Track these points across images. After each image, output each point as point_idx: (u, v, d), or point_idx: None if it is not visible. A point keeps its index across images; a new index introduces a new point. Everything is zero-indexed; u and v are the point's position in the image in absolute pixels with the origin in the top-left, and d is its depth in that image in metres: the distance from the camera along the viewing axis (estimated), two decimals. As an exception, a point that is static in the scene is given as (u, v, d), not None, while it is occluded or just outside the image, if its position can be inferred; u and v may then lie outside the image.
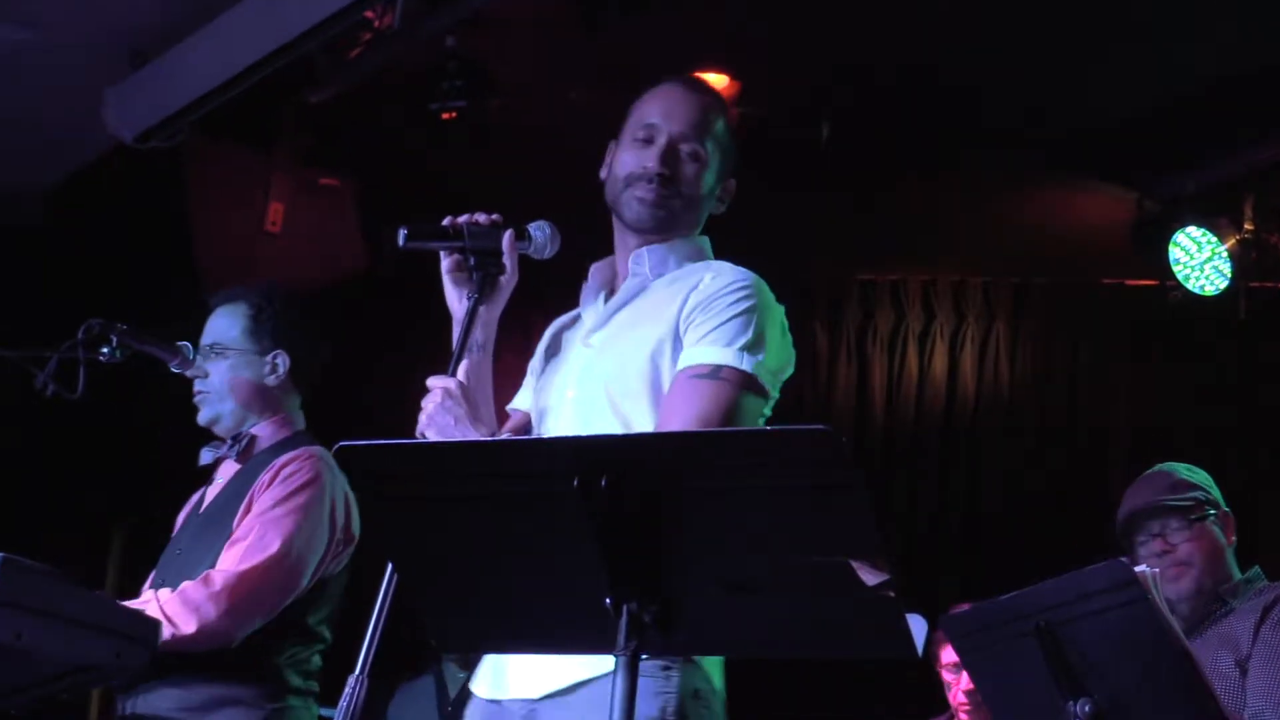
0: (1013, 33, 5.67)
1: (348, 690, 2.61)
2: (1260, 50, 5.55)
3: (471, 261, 3.01)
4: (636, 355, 2.93)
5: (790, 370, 3.00)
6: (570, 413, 2.97)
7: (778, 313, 2.97)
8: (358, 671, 2.62)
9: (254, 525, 3.71)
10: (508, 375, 3.22)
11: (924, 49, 5.79)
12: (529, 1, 5.63)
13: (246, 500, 3.78)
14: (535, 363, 3.23)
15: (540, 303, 3.46)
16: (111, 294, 5.58)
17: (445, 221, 3.03)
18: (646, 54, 5.63)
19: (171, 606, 3.58)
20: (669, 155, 3.06)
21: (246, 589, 3.63)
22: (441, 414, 2.86)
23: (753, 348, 2.87)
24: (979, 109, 6.14)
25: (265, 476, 3.79)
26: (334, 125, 6.35)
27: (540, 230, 3.08)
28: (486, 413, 2.98)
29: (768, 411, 2.96)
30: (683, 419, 2.79)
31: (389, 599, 2.64)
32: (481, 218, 3.04)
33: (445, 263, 3.05)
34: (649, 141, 3.07)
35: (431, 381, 2.91)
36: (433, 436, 2.85)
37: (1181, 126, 5.99)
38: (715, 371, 2.83)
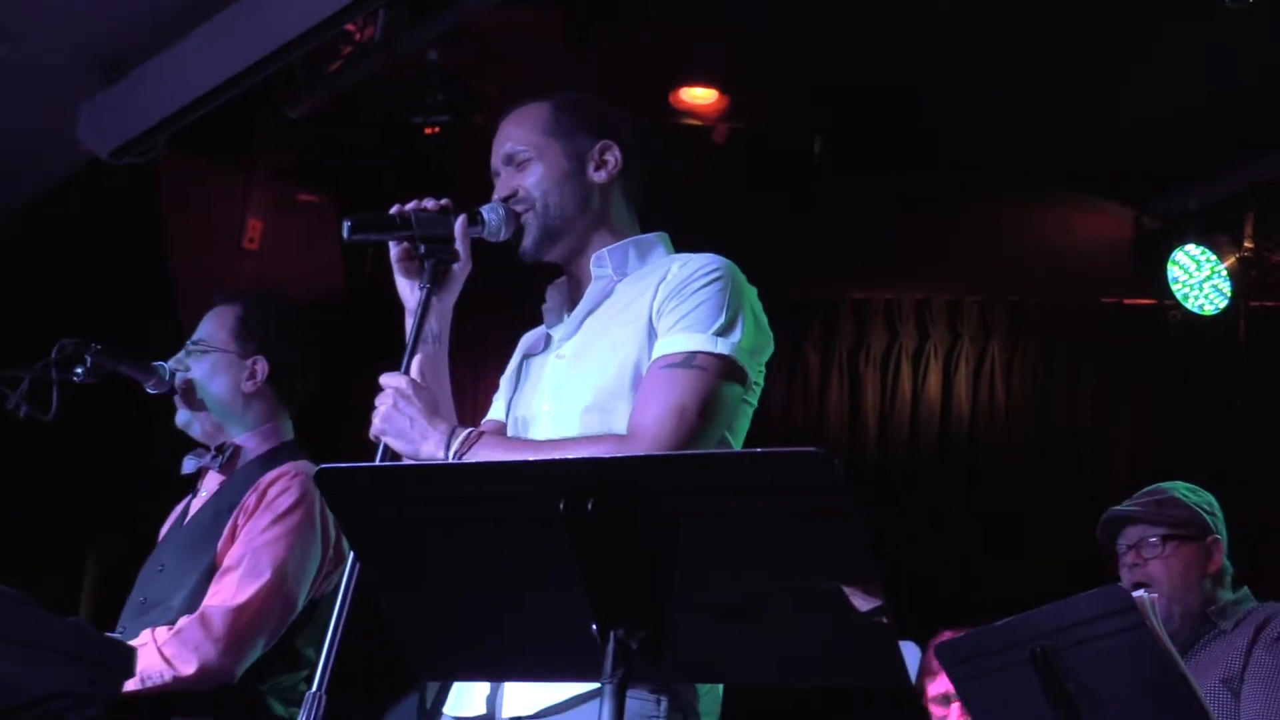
0: (1009, 51, 5.65)
1: (305, 707, 2.55)
2: (1260, 67, 5.53)
3: (422, 250, 2.94)
4: (613, 358, 2.87)
5: (770, 351, 2.93)
6: (549, 428, 2.90)
7: (750, 293, 2.91)
8: (315, 688, 2.55)
9: (245, 552, 3.66)
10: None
11: (919, 66, 5.78)
12: (514, 14, 5.57)
13: (231, 521, 3.73)
14: (507, 376, 3.15)
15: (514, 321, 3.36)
16: (86, 313, 5.48)
17: (393, 210, 2.95)
18: (636, 69, 5.62)
19: (171, 648, 3.55)
20: (499, 183, 3.05)
21: (245, 623, 3.59)
22: (396, 416, 2.80)
23: (726, 330, 2.81)
24: (976, 126, 6.11)
25: (250, 499, 3.74)
26: (314, 140, 6.32)
27: (493, 212, 3.00)
28: (445, 407, 2.91)
29: (752, 400, 2.91)
30: (657, 411, 2.73)
31: (345, 613, 2.59)
32: (430, 203, 2.96)
33: (394, 252, 2.98)
34: None
35: (384, 380, 2.84)
36: (390, 441, 2.80)
37: (1180, 143, 5.98)
38: (689, 359, 2.77)
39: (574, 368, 2.92)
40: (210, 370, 3.90)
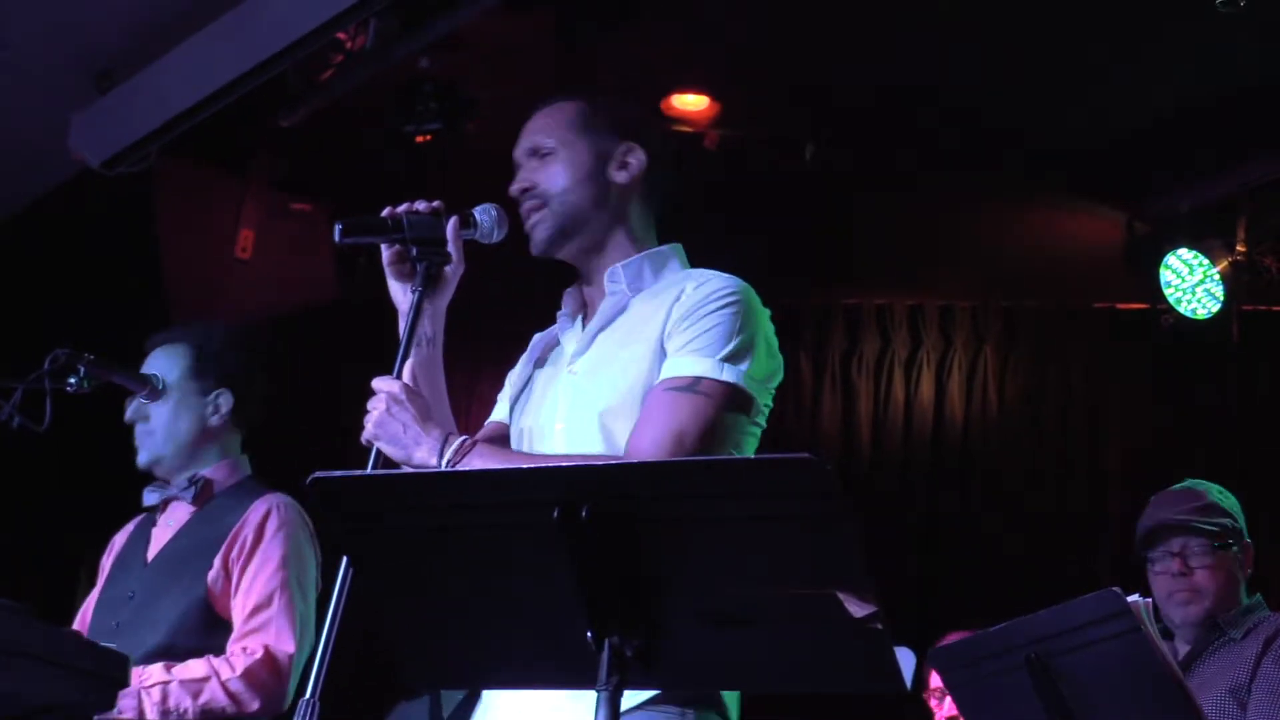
0: (1001, 55, 5.65)
1: (299, 714, 2.53)
2: (1251, 70, 5.53)
3: (414, 252, 2.92)
4: (625, 377, 2.84)
5: (780, 377, 2.90)
6: (562, 444, 2.88)
7: (764, 318, 2.87)
8: (308, 695, 2.53)
9: (273, 592, 3.71)
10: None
11: (910, 71, 5.74)
12: (505, 22, 5.56)
13: (221, 556, 3.75)
14: (515, 375, 3.14)
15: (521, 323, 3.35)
16: (78, 323, 5.47)
17: (384, 212, 2.94)
18: (627, 75, 5.61)
19: (237, 685, 3.62)
20: (520, 175, 3.02)
21: (295, 665, 3.68)
22: (389, 421, 2.77)
23: (735, 357, 2.77)
24: (967, 131, 6.11)
25: (246, 534, 3.76)
26: (306, 149, 6.29)
27: (486, 214, 2.99)
28: (439, 411, 2.90)
29: (761, 422, 2.87)
30: (655, 435, 2.70)
31: (338, 622, 2.57)
32: (421, 205, 2.94)
33: (385, 255, 2.96)
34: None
35: (376, 384, 2.81)
36: (382, 446, 2.77)
37: (1172, 147, 5.98)
38: (694, 384, 2.74)
39: (586, 385, 2.89)
40: (173, 412, 3.90)
